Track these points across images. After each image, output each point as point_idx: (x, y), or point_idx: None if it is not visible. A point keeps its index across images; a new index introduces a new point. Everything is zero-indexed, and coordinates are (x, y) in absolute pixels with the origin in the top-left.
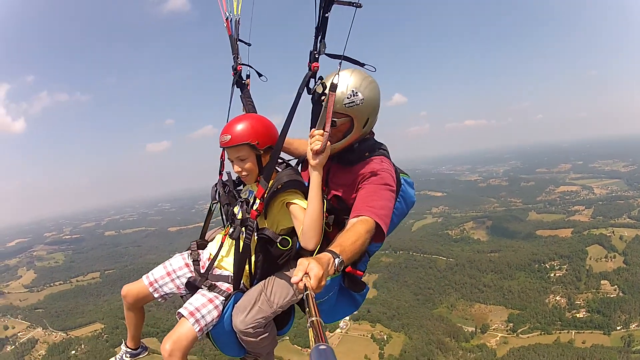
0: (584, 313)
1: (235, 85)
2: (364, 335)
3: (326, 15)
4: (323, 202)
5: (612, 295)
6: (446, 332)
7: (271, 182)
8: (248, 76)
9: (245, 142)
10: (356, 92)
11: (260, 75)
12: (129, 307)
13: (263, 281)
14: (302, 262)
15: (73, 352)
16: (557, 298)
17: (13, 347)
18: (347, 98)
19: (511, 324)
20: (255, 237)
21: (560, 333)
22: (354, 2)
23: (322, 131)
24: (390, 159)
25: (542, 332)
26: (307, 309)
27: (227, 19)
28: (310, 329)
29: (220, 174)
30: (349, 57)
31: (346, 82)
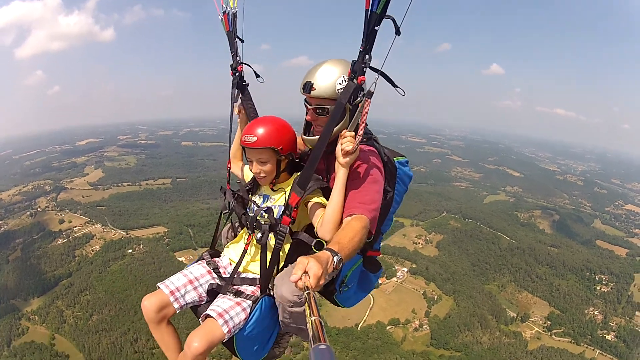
0: (612, 337)
1: (236, 88)
2: (416, 290)
3: (375, 28)
4: (344, 198)
5: None
6: (490, 310)
7: (291, 179)
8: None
9: (270, 147)
10: (346, 79)
11: (257, 76)
12: (153, 322)
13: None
14: (302, 261)
15: (130, 250)
16: (595, 312)
17: (65, 240)
18: (339, 84)
19: (549, 322)
20: (288, 242)
21: (587, 348)
22: (397, 28)
23: (354, 133)
24: (378, 148)
25: (572, 341)
26: (308, 308)
27: (224, 12)
28: (310, 328)
29: (228, 182)
30: (386, 75)
31: (335, 70)
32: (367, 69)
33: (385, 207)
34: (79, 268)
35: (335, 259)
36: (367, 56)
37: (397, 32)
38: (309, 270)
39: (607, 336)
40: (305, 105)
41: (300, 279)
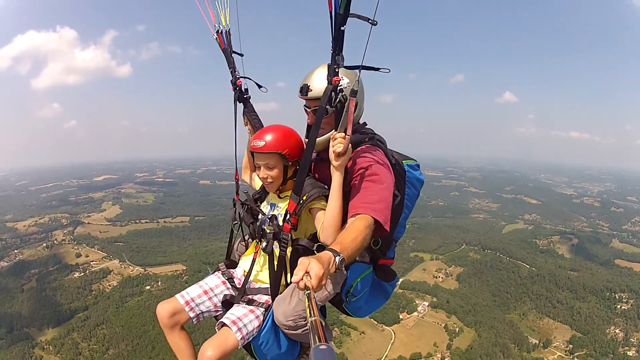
0: (634, 352)
1: (237, 101)
2: (438, 324)
3: (342, 28)
4: (343, 200)
5: None
6: (512, 339)
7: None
8: (246, 89)
9: (278, 152)
10: (342, 77)
11: (260, 86)
12: (167, 328)
13: None
14: (303, 261)
15: (148, 287)
16: (617, 331)
17: (82, 274)
18: None
19: (571, 346)
20: (290, 249)
21: None
22: (370, 20)
23: (343, 134)
24: (382, 147)
25: None
26: (308, 309)
27: (217, 31)
28: (310, 329)
29: (237, 194)
30: (366, 66)
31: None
32: (342, 68)
33: (394, 213)
34: (95, 302)
35: (337, 259)
36: (338, 57)
37: (373, 22)
38: (310, 270)
39: (628, 352)
40: (304, 109)
41: (302, 279)
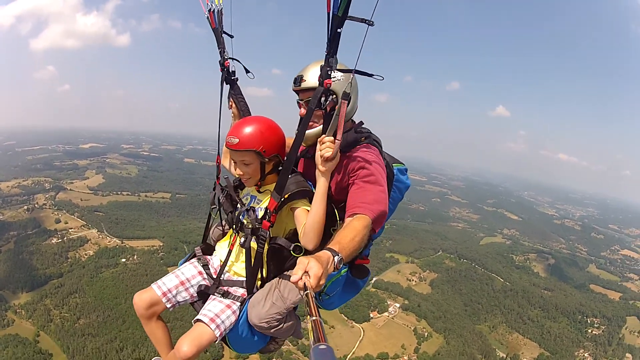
0: None
1: (224, 82)
2: (407, 326)
3: (338, 30)
4: (326, 206)
5: None
6: (480, 350)
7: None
8: (234, 71)
9: (253, 149)
10: (334, 76)
11: (247, 71)
12: (143, 318)
13: (276, 278)
14: (302, 261)
15: (123, 260)
16: (586, 355)
17: (60, 240)
18: (332, 77)
19: None
20: (267, 246)
21: None
22: (367, 20)
23: (332, 138)
24: (378, 147)
25: None
26: (307, 308)
27: (209, 10)
28: (310, 329)
29: (218, 178)
30: (359, 70)
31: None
32: (336, 71)
33: None
34: (70, 270)
35: (336, 259)
36: (331, 59)
37: (370, 23)
38: (309, 270)
39: None
40: (297, 103)
41: (301, 278)
